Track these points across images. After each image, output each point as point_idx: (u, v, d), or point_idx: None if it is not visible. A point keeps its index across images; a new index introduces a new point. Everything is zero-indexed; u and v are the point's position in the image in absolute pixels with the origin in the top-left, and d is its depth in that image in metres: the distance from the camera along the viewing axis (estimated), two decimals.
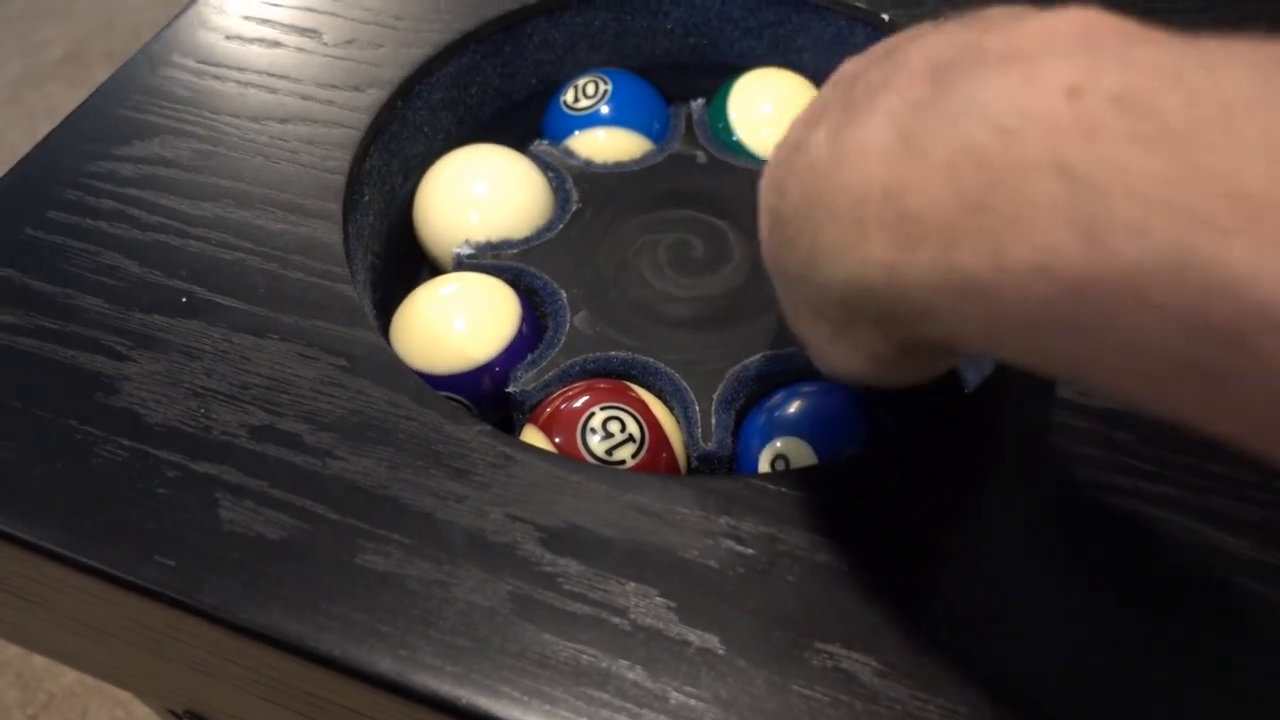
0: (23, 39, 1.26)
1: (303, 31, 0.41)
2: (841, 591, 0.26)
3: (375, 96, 0.38)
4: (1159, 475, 0.28)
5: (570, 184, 0.40)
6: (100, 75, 1.21)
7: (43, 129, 1.15)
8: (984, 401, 0.30)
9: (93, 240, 0.34)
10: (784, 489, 0.28)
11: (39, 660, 0.76)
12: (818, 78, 0.44)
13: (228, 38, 0.41)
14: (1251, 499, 0.27)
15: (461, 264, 0.38)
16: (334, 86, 0.39)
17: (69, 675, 0.74)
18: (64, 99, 1.19)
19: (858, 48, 0.42)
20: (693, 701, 0.24)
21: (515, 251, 0.38)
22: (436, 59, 0.40)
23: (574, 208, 0.40)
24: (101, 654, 0.36)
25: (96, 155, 0.37)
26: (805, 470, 0.29)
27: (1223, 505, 0.27)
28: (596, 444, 0.32)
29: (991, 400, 0.30)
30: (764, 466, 0.32)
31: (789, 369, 0.35)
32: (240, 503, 0.28)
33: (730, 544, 0.27)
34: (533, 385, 0.35)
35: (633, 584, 0.26)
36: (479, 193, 0.39)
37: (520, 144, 0.42)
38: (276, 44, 0.41)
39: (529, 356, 0.36)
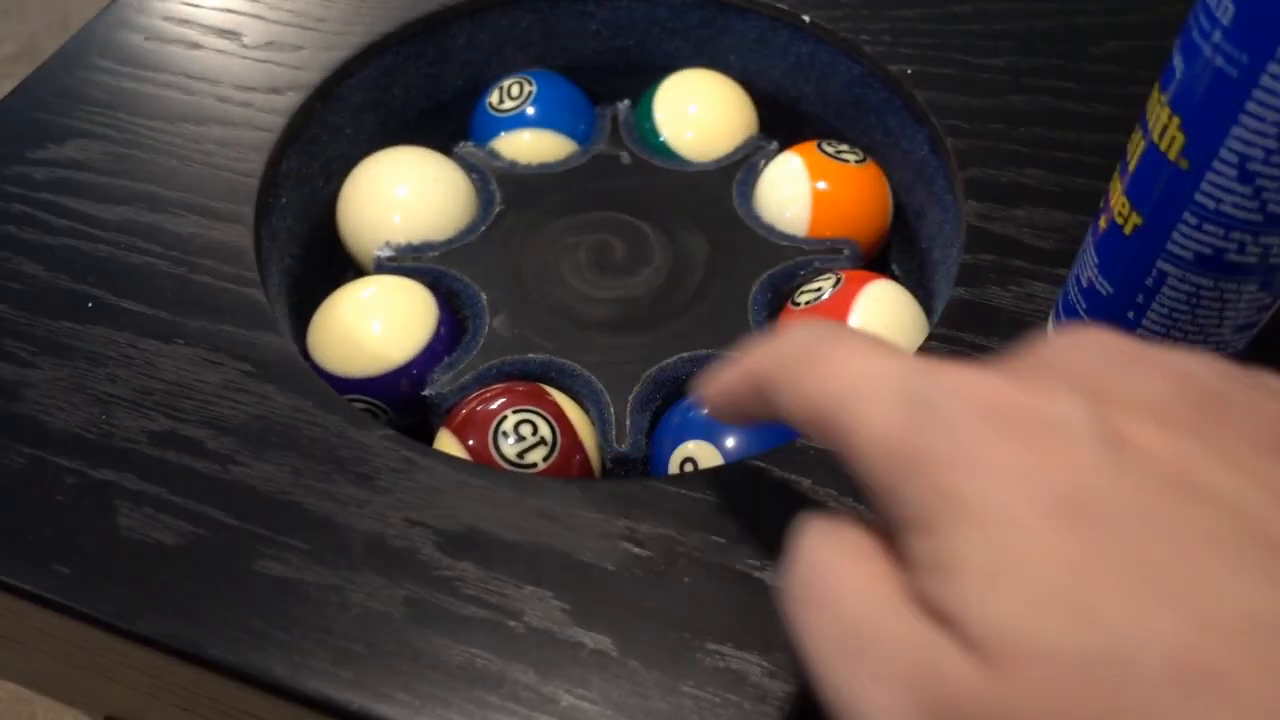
0: None
1: (223, 33, 0.41)
2: (735, 593, 0.26)
3: (293, 99, 0.38)
4: None
5: (494, 185, 0.41)
6: None
7: None
8: None
9: (0, 245, 0.34)
10: (684, 491, 0.28)
11: None
12: (744, 78, 0.44)
13: (147, 39, 0.41)
14: None
15: (382, 266, 0.38)
16: (252, 89, 0.39)
17: None
18: None
19: (780, 49, 0.43)
20: (584, 704, 0.24)
21: (436, 254, 0.38)
22: (356, 61, 0.40)
23: (497, 209, 0.40)
24: (17, 661, 0.36)
25: (9, 159, 0.36)
26: (706, 472, 0.29)
27: None
28: (508, 447, 0.32)
29: None
30: (673, 468, 0.32)
31: (704, 370, 0.36)
32: (139, 509, 0.28)
33: (628, 546, 0.27)
34: (449, 388, 0.35)
35: (530, 587, 0.26)
36: (400, 195, 0.39)
37: (447, 145, 0.42)
38: (196, 45, 0.40)
39: (446, 359, 0.36)
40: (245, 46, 0.40)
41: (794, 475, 0.28)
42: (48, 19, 1.28)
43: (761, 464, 0.29)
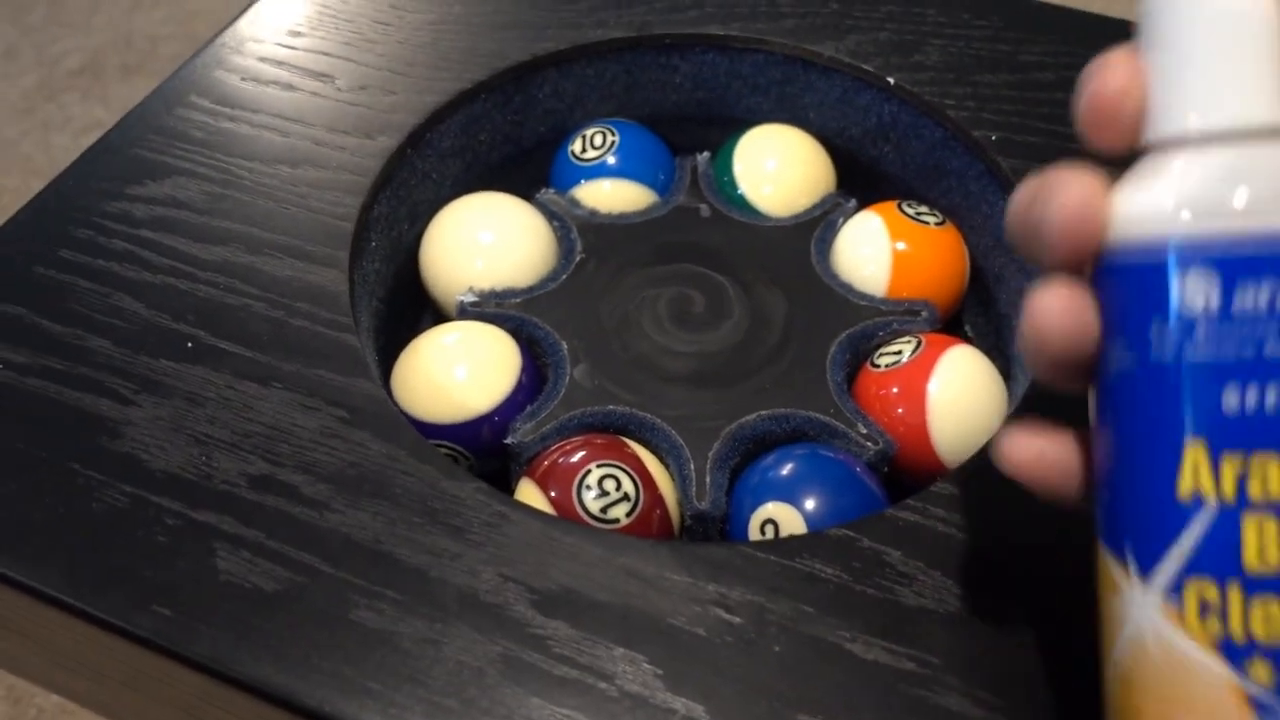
0: (40, 50, 1.28)
1: (317, 76, 0.42)
2: (826, 664, 0.26)
3: (386, 143, 0.39)
4: None
5: (575, 234, 0.41)
6: (115, 89, 1.22)
7: (56, 141, 1.16)
8: (973, 480, 0.30)
9: (103, 281, 0.34)
10: (774, 557, 0.28)
11: None
12: (823, 135, 0.44)
13: (244, 79, 0.42)
14: None
15: (465, 311, 0.39)
16: (345, 132, 0.39)
17: None
18: (78, 111, 1.20)
19: (862, 109, 0.43)
20: None
21: (519, 300, 0.39)
22: (447, 107, 0.41)
23: (578, 258, 0.40)
24: (93, 690, 0.36)
25: (110, 194, 0.37)
26: (794, 539, 0.29)
27: None
28: (592, 501, 0.32)
29: (980, 479, 0.30)
30: (753, 529, 0.32)
31: (785, 429, 0.36)
32: (237, 553, 0.28)
33: (719, 612, 0.27)
34: (531, 437, 0.35)
35: (621, 649, 0.27)
36: (484, 241, 0.40)
37: (527, 191, 0.43)
38: (291, 87, 0.41)
39: (528, 408, 0.36)
40: (339, 89, 0.41)
41: (883, 545, 0.29)
42: (111, 35, 1.31)
43: (850, 533, 0.29)
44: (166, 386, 0.32)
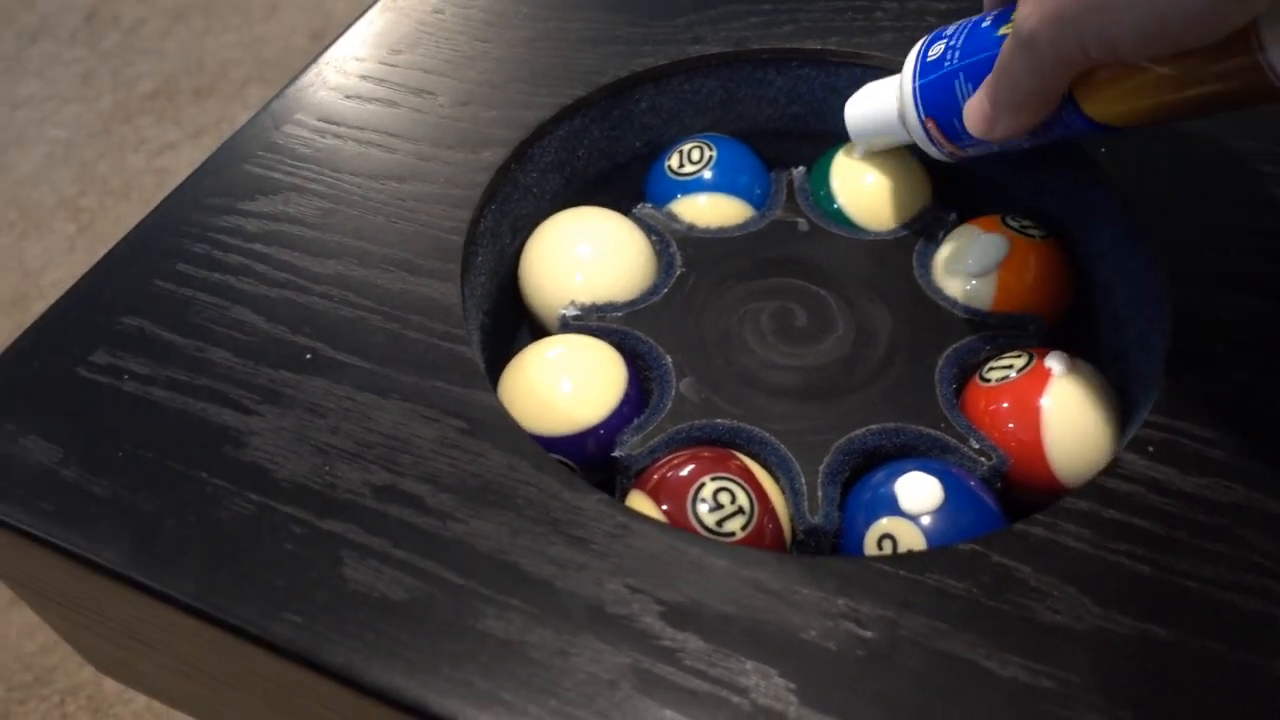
0: (115, 73, 1.31)
1: (419, 92, 0.42)
2: (963, 680, 0.26)
3: (490, 158, 0.39)
4: None
5: (674, 248, 0.41)
6: (187, 111, 1.25)
7: (130, 161, 1.19)
8: (1103, 496, 0.30)
9: (221, 294, 0.35)
10: (902, 572, 0.28)
11: (110, 685, 0.77)
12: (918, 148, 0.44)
13: (347, 97, 0.42)
14: None
15: (567, 325, 0.39)
16: (450, 147, 0.40)
17: (139, 700, 0.76)
18: (151, 133, 1.23)
19: None
20: None
21: (620, 314, 0.39)
22: (549, 122, 0.41)
23: (678, 272, 0.40)
24: (202, 695, 0.37)
25: (222, 210, 0.38)
26: (922, 554, 0.29)
27: None
28: (706, 514, 0.32)
29: (1110, 495, 0.30)
30: (870, 544, 0.32)
31: (895, 443, 0.35)
32: (364, 562, 0.28)
33: (850, 626, 0.27)
34: (639, 450, 0.35)
35: (752, 663, 0.26)
36: (584, 254, 0.40)
37: (621, 205, 0.43)
38: (394, 104, 0.42)
39: (635, 421, 0.36)
40: (441, 106, 0.41)
41: (1014, 561, 0.28)
42: (183, 59, 1.34)
43: (979, 548, 0.28)
44: (287, 397, 0.32)
